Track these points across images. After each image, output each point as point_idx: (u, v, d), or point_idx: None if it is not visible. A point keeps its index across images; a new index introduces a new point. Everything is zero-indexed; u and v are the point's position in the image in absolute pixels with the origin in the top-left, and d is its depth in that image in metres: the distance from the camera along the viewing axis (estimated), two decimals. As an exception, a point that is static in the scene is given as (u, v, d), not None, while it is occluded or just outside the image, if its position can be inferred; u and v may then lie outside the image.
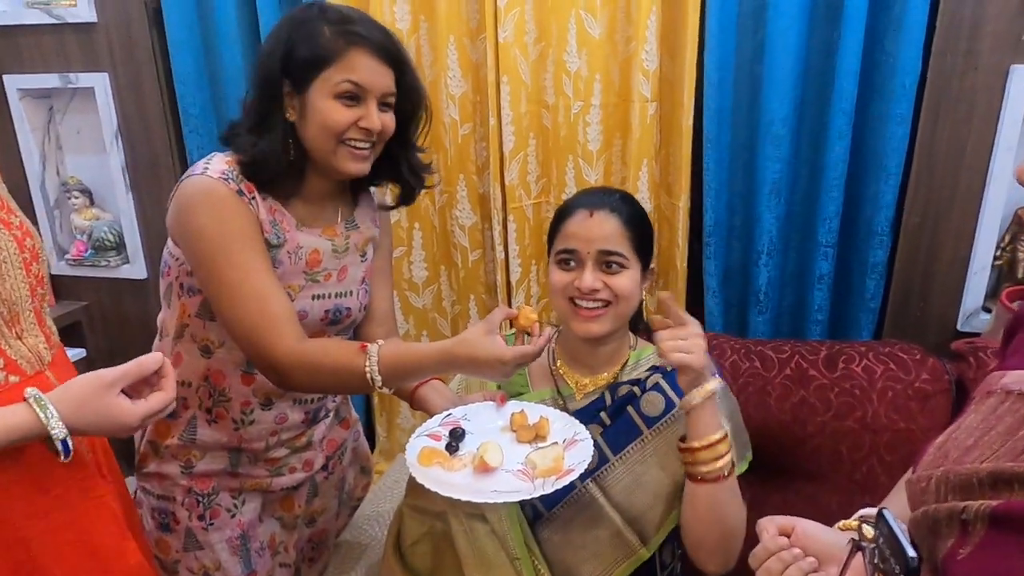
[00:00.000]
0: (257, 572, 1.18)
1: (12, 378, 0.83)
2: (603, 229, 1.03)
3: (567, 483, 0.91)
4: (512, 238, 1.73)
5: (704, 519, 0.96)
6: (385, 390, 0.98)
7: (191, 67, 1.81)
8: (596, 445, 1.02)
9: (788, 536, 0.65)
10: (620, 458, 1.03)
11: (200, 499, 1.13)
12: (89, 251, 2.05)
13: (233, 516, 1.15)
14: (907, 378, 1.22)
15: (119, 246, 2.03)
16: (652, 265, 1.12)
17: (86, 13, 1.81)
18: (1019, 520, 0.47)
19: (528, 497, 0.91)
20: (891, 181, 1.48)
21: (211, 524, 1.13)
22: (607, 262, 1.03)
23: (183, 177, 1.03)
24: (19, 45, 1.90)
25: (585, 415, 1.05)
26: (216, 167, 1.00)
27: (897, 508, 0.68)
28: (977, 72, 1.40)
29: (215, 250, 0.97)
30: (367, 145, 1.01)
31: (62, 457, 0.76)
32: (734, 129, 1.58)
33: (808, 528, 0.65)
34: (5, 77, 1.92)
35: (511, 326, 1.04)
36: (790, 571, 0.62)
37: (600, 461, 1.03)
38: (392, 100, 1.03)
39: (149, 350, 1.20)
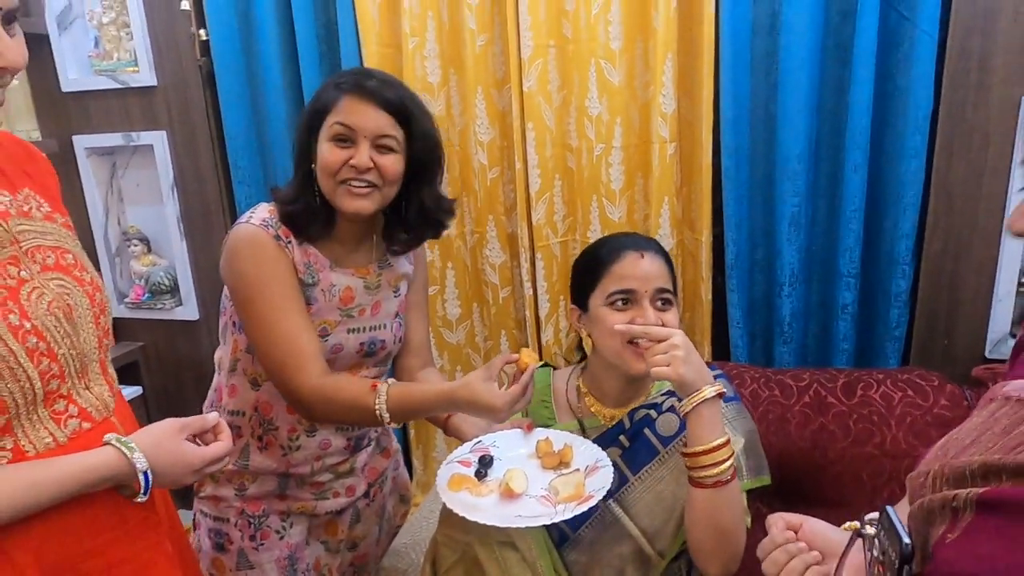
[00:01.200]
0: None
1: (84, 424, 0.88)
2: (654, 268, 1.10)
3: (586, 509, 0.96)
4: (540, 275, 1.80)
5: (702, 523, 0.99)
6: (393, 425, 1.07)
7: (241, 124, 1.95)
8: (616, 466, 1.06)
9: (796, 531, 0.68)
10: (639, 477, 1.08)
11: (251, 521, 1.22)
12: (146, 295, 2.19)
13: (282, 538, 1.23)
14: (925, 404, 1.23)
15: (174, 289, 2.17)
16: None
17: (147, 78, 1.98)
18: (1003, 504, 0.51)
19: (549, 522, 0.96)
20: (909, 212, 1.52)
21: (261, 544, 1.22)
22: (661, 299, 1.09)
23: (233, 226, 1.14)
24: (87, 108, 2.08)
25: (605, 439, 1.11)
26: (259, 216, 1.11)
27: (903, 512, 0.72)
28: (989, 104, 1.43)
29: (253, 292, 1.08)
30: (363, 184, 1.08)
31: (141, 493, 0.83)
32: (752, 165, 1.63)
33: (815, 525, 0.69)
34: (75, 138, 2.09)
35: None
36: (794, 562, 0.66)
37: (621, 481, 1.08)
38: (390, 142, 1.09)
39: (201, 387, 1.30)
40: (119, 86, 2.02)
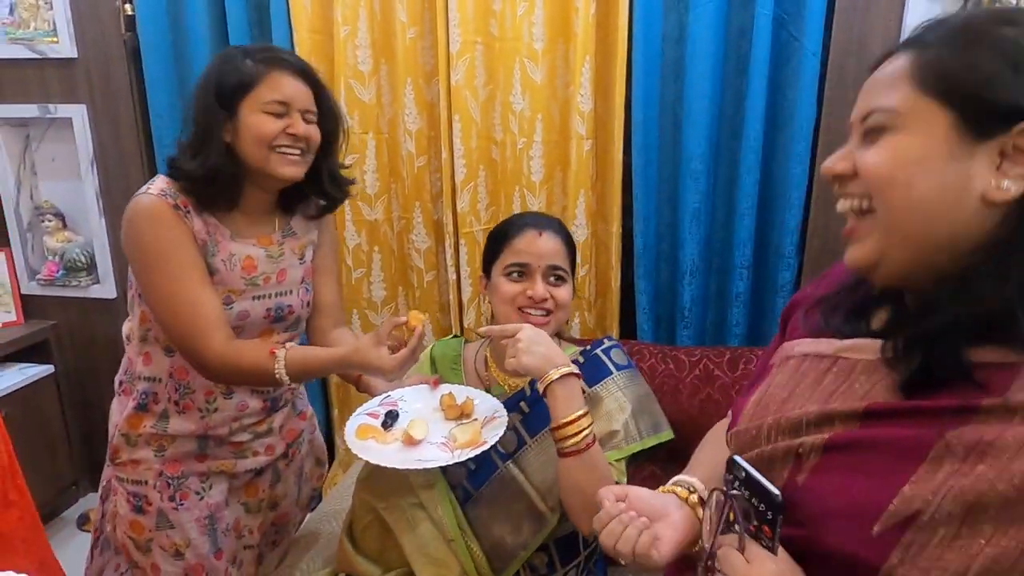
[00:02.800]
0: (223, 551, 1.29)
1: None
2: (550, 246, 1.18)
3: (480, 452, 1.05)
4: (464, 261, 1.89)
5: (567, 487, 1.07)
6: (293, 385, 1.15)
7: (166, 103, 1.95)
8: (515, 430, 1.17)
9: (623, 501, 0.76)
10: (536, 440, 1.17)
11: (171, 482, 1.24)
12: (61, 271, 2.14)
13: (201, 498, 1.26)
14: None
15: (90, 267, 2.13)
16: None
17: (67, 49, 1.94)
18: (845, 445, 0.60)
19: (446, 464, 1.05)
20: (794, 211, 1.69)
21: (181, 504, 1.25)
22: (554, 275, 1.19)
23: (132, 199, 1.15)
24: (0, 77, 2.01)
25: (508, 405, 1.20)
26: (156, 186, 1.14)
27: (702, 472, 0.83)
28: (862, 118, 1.62)
29: (153, 262, 1.11)
30: (297, 151, 1.15)
31: None
32: (660, 164, 1.78)
33: (639, 493, 0.77)
34: (-14, 107, 2.02)
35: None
36: (628, 530, 0.73)
37: (519, 444, 1.18)
38: (313, 116, 1.17)
39: (117, 366, 1.30)
40: (36, 56, 1.97)
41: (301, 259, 1.29)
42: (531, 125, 1.79)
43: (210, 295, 1.14)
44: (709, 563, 0.66)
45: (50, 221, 2.14)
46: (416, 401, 1.20)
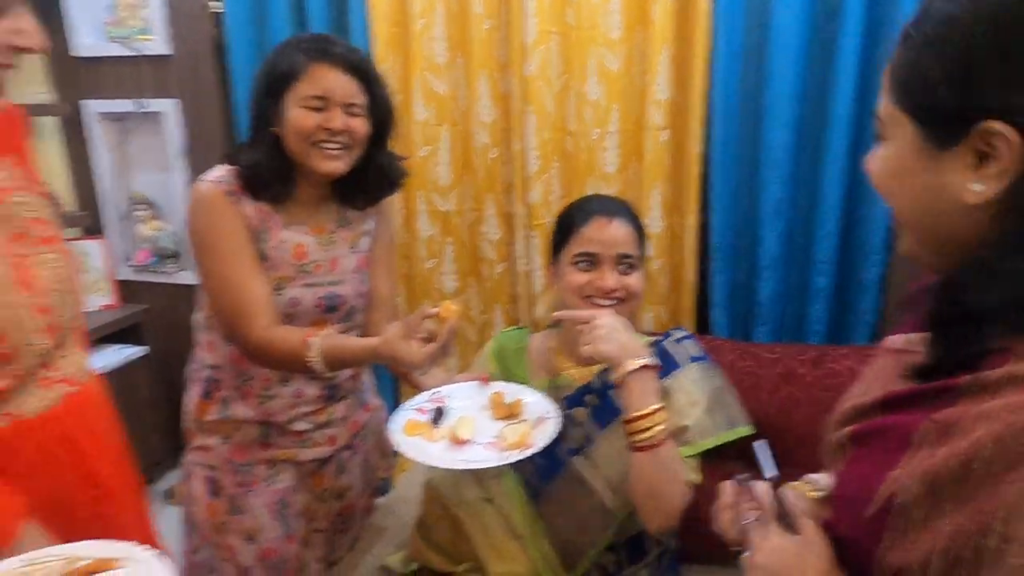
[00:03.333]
0: (295, 535, 1.33)
1: (68, 389, 0.92)
2: (620, 234, 1.14)
3: (527, 455, 1.02)
4: (535, 252, 1.89)
5: (638, 483, 1.04)
6: (327, 373, 1.15)
7: (249, 97, 2.01)
8: (582, 426, 1.14)
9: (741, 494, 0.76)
10: (604, 436, 1.14)
11: (239, 468, 1.28)
12: (152, 259, 2.26)
13: (269, 484, 1.30)
14: (887, 378, 1.34)
15: (178, 254, 2.24)
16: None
17: (161, 47, 2.04)
18: (866, 435, 0.61)
19: (493, 465, 1.03)
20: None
21: (251, 491, 1.28)
22: (625, 263, 1.15)
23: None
24: (99, 73, 2.13)
25: (573, 399, 1.18)
26: (213, 174, 1.17)
27: None
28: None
29: (204, 247, 1.15)
30: (337, 146, 1.15)
31: None
32: (739, 154, 1.72)
33: (757, 487, 0.76)
34: (85, 102, 2.15)
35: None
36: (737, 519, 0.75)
37: (587, 440, 1.15)
38: (359, 109, 1.16)
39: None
40: (132, 53, 2.07)
41: (354, 248, 1.29)
42: (606, 115, 1.76)
43: (258, 280, 1.16)
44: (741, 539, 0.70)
45: (142, 211, 2.26)
46: (465, 398, 1.18)
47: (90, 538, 0.73)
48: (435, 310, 1.08)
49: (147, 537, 1.05)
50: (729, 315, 1.81)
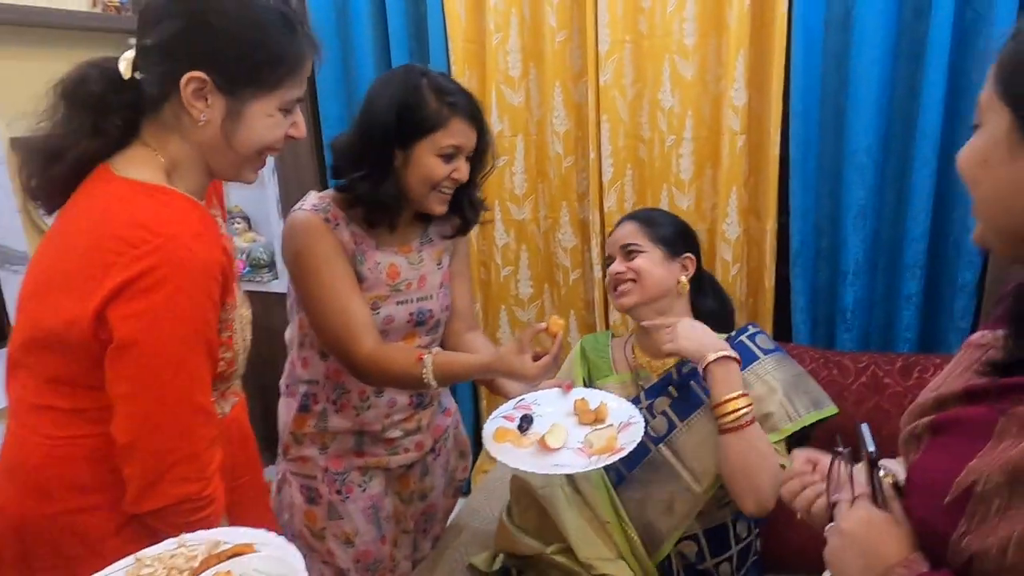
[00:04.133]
0: (387, 537, 1.41)
1: (235, 399, 1.06)
2: (623, 232, 1.35)
3: (616, 459, 1.06)
4: (609, 259, 1.90)
5: (728, 464, 1.13)
6: (439, 388, 1.22)
7: (335, 113, 2.12)
8: (665, 414, 1.21)
9: (815, 466, 0.78)
10: (687, 424, 1.21)
11: (336, 477, 1.36)
12: (246, 269, 2.41)
13: (364, 490, 1.37)
14: (982, 388, 1.28)
15: (270, 264, 2.38)
16: (688, 254, 1.33)
17: (254, 70, 2.17)
18: (943, 425, 0.63)
19: (582, 471, 1.08)
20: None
21: (347, 497, 1.36)
22: (627, 252, 1.31)
23: (289, 213, 1.26)
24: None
25: (655, 390, 1.24)
26: (310, 202, 1.24)
27: None
28: (1065, 100, 1.44)
29: (307, 272, 1.20)
30: (452, 190, 1.24)
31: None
32: (820, 157, 1.69)
33: (853, 467, 0.78)
34: (188, 124, 2.32)
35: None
36: (807, 491, 0.77)
37: (670, 427, 1.22)
38: (471, 154, 1.25)
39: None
40: (228, 78, 2.22)
41: (439, 265, 1.36)
42: (680, 122, 1.76)
43: (359, 302, 1.22)
44: (831, 513, 0.72)
45: (238, 223, 2.41)
46: (549, 405, 1.23)
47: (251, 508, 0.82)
48: (543, 325, 1.14)
49: (271, 521, 1.19)
50: (811, 321, 1.77)
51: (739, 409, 1.10)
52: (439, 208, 1.24)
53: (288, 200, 2.28)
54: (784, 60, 1.63)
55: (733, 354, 1.14)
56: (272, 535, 0.77)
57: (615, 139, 1.82)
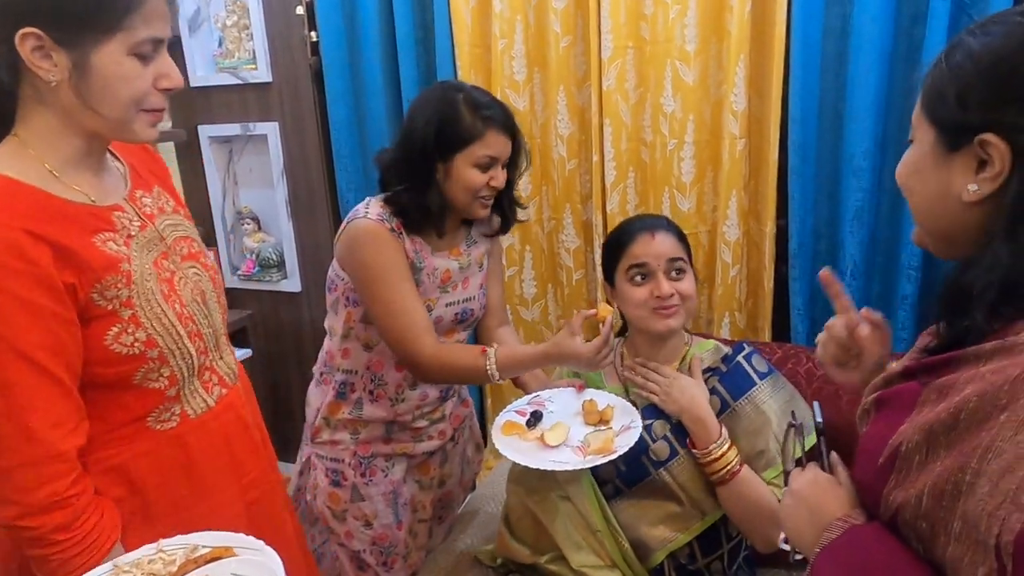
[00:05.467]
0: (404, 523, 1.47)
1: (223, 390, 1.02)
2: (666, 244, 1.26)
3: (608, 460, 1.12)
4: (612, 260, 1.94)
5: (730, 510, 1.18)
6: (500, 381, 1.27)
7: (344, 117, 2.17)
8: (667, 439, 1.22)
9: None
10: (687, 451, 1.21)
11: (362, 461, 1.43)
12: (256, 268, 2.46)
13: (386, 475, 1.45)
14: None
15: (280, 264, 2.43)
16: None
17: (264, 75, 2.22)
18: (885, 400, 0.69)
19: (573, 468, 1.14)
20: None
21: (371, 480, 1.43)
22: (675, 268, 1.25)
23: (349, 219, 1.32)
24: (211, 101, 2.34)
25: (653, 410, 1.25)
26: (374, 211, 1.30)
27: None
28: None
29: (374, 277, 1.28)
30: (491, 196, 1.32)
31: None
32: (818, 161, 1.72)
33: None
34: (200, 127, 2.37)
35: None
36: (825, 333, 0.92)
37: (672, 454, 1.22)
38: (506, 161, 1.33)
39: (300, 351, 1.46)
40: (239, 82, 2.27)
41: (481, 267, 1.44)
42: (682, 126, 1.80)
43: (420, 305, 1.30)
44: (786, 478, 0.83)
45: (248, 224, 2.46)
46: (561, 403, 1.30)
47: (238, 525, 0.83)
48: (593, 312, 1.25)
49: (286, 522, 1.18)
50: (809, 321, 1.81)
51: (723, 461, 1.15)
52: (482, 212, 1.34)
53: (296, 201, 2.33)
54: (783, 66, 1.66)
55: (712, 423, 1.18)
56: (252, 539, 0.77)
57: (618, 142, 1.86)
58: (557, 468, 1.14)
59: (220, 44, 2.30)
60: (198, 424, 0.98)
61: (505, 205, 1.41)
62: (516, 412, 1.28)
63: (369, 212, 1.30)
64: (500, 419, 1.26)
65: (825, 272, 0.95)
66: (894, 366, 0.73)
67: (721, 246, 1.82)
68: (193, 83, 2.31)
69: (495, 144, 1.27)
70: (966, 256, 0.66)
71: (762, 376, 1.24)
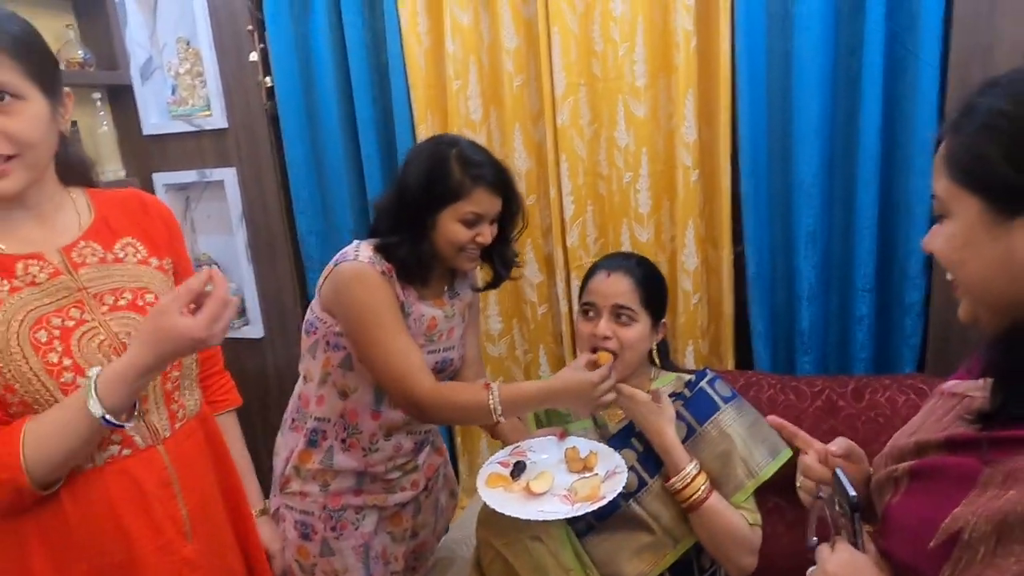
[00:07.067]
0: None
1: (125, 451, 0.97)
2: (618, 287, 1.26)
3: (596, 508, 1.12)
4: (575, 293, 1.94)
5: (698, 535, 1.18)
6: (502, 419, 1.23)
7: (301, 159, 2.16)
8: (634, 470, 1.22)
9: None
10: (655, 480, 1.22)
11: (332, 514, 1.39)
12: (217, 316, 2.41)
13: (357, 528, 1.40)
14: (928, 405, 1.35)
15: (241, 310, 2.39)
16: (663, 319, 1.34)
17: (219, 121, 2.21)
18: (924, 471, 0.66)
19: (564, 517, 1.13)
20: (918, 227, 1.62)
21: (341, 534, 1.39)
22: (621, 314, 1.26)
23: (337, 261, 1.31)
24: (166, 149, 2.32)
25: (619, 440, 1.26)
26: (364, 254, 1.30)
27: None
28: (991, 127, 1.53)
29: (369, 319, 1.26)
30: (478, 250, 1.33)
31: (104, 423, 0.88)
32: (770, 186, 1.76)
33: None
34: (155, 175, 2.34)
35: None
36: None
37: (640, 484, 1.23)
38: (495, 217, 1.33)
39: (263, 399, 1.41)
40: (194, 129, 2.25)
41: (463, 318, 1.44)
42: (636, 159, 1.83)
43: (415, 345, 1.29)
44: (809, 555, 0.76)
45: (207, 271, 2.42)
46: (543, 452, 1.29)
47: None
48: (595, 356, 1.25)
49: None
50: (771, 345, 1.83)
51: (693, 487, 1.16)
52: (468, 266, 1.36)
53: (256, 246, 2.30)
54: (730, 97, 1.71)
55: (679, 453, 1.19)
56: None
57: (575, 177, 1.88)
58: (549, 518, 1.14)
59: (173, 92, 2.29)
60: (81, 479, 0.94)
61: (496, 261, 1.41)
62: (499, 463, 1.28)
63: (360, 255, 1.29)
64: (484, 471, 1.25)
65: (772, 418, 0.92)
66: (922, 431, 0.69)
67: (681, 274, 1.85)
68: (146, 131, 2.29)
69: (482, 202, 1.27)
70: (1021, 324, 0.62)
71: (726, 400, 1.25)
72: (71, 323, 0.94)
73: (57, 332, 0.92)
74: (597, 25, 1.79)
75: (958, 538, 0.58)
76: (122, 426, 0.90)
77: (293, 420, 1.44)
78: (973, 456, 0.61)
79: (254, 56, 2.11)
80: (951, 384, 0.74)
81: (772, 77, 1.72)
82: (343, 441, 1.38)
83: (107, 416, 0.88)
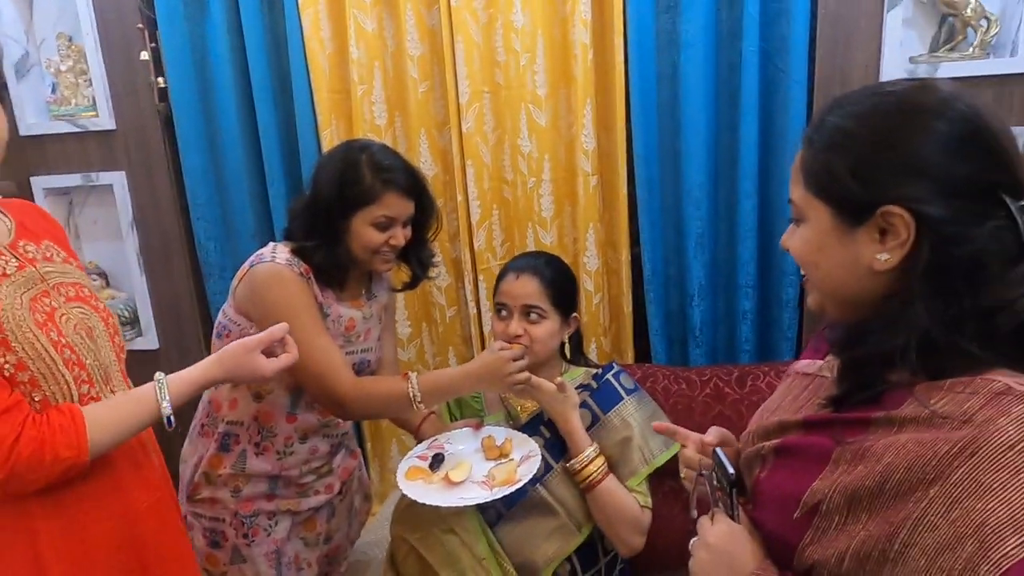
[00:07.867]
0: None
1: None
2: (526, 288, 1.33)
3: (514, 489, 1.18)
4: (483, 295, 2.00)
5: (595, 517, 1.26)
6: (423, 407, 1.27)
7: (198, 165, 2.09)
8: (542, 455, 1.28)
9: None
10: (559, 463, 1.29)
11: (244, 520, 1.37)
12: (106, 327, 2.28)
13: (269, 534, 1.39)
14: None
15: (133, 321, 2.27)
16: (575, 314, 1.41)
17: (107, 122, 2.10)
18: (787, 449, 0.74)
19: (484, 501, 1.18)
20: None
21: (252, 541, 1.37)
22: (531, 313, 1.33)
23: (252, 262, 1.30)
24: (45, 150, 2.17)
25: (529, 429, 1.32)
26: (281, 255, 1.29)
27: None
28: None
29: (288, 317, 1.23)
30: (393, 252, 1.35)
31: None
32: (662, 193, 1.89)
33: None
34: (33, 179, 2.18)
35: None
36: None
37: (546, 469, 1.29)
38: (408, 220, 1.35)
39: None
40: (78, 129, 2.13)
41: (380, 320, 1.46)
42: (539, 165, 1.91)
43: (334, 344, 1.30)
44: (691, 527, 0.81)
45: (94, 280, 2.28)
46: (460, 443, 1.33)
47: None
48: (508, 345, 1.29)
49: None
50: (667, 341, 1.95)
51: (590, 468, 1.23)
52: (383, 267, 1.38)
53: (149, 253, 2.20)
54: (625, 108, 1.82)
55: (581, 436, 1.26)
56: None
57: (480, 182, 1.94)
58: (469, 503, 1.18)
59: (54, 90, 2.15)
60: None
61: (413, 263, 1.44)
62: (417, 457, 1.31)
63: (277, 256, 1.29)
64: (403, 465, 1.28)
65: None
66: (780, 411, 0.77)
67: (583, 276, 1.94)
68: (23, 131, 2.14)
69: (394, 206, 1.29)
70: (862, 317, 0.68)
71: (629, 392, 1.34)
72: (50, 308, 1.00)
73: (47, 313, 0.99)
74: (500, 36, 1.85)
75: (817, 509, 0.64)
76: (173, 426, 1.03)
77: (203, 426, 1.41)
78: (826, 436, 0.68)
79: (145, 55, 2.02)
80: (803, 364, 0.84)
81: (662, 90, 1.84)
82: (256, 445, 1.37)
83: (171, 416, 1.02)
